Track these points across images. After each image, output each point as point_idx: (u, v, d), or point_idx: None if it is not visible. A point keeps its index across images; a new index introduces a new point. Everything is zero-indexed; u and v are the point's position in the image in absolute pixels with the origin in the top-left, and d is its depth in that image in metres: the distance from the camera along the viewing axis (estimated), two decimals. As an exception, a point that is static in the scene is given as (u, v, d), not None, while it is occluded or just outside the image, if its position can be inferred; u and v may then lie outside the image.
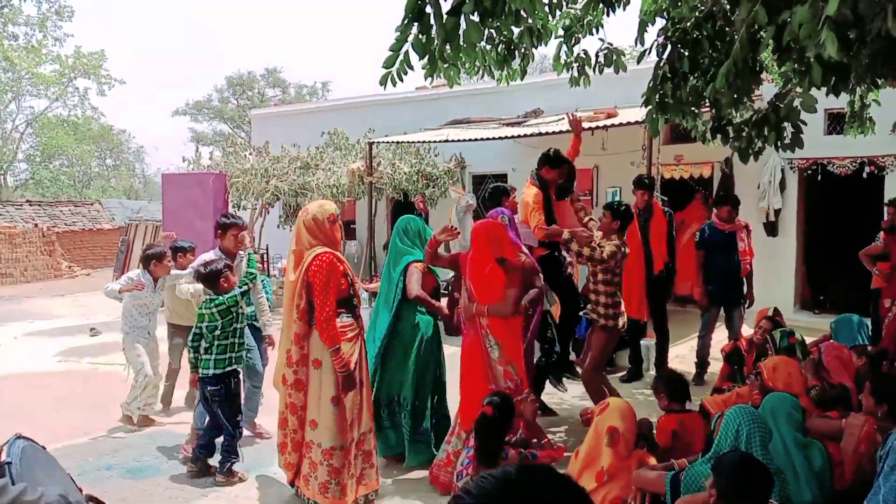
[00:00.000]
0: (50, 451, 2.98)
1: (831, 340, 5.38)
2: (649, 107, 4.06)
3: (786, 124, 3.80)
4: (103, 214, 21.60)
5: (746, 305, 7.03)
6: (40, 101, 32.39)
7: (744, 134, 4.00)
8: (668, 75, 3.85)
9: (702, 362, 6.99)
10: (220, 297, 4.74)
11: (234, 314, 4.75)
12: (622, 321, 5.39)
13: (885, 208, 7.16)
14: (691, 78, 3.85)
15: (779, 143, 3.89)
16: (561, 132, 8.97)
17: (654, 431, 4.19)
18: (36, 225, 18.04)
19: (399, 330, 4.85)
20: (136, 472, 4.99)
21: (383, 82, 3.13)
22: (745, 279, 7.03)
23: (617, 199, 10.69)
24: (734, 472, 2.72)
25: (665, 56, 3.91)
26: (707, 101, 3.99)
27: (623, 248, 5.29)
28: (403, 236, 4.96)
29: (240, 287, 4.84)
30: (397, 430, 4.88)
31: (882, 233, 6.85)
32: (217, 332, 4.69)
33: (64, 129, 31.98)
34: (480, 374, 4.55)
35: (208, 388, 4.70)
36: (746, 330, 6.79)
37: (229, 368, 4.73)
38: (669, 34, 3.97)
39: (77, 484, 3.01)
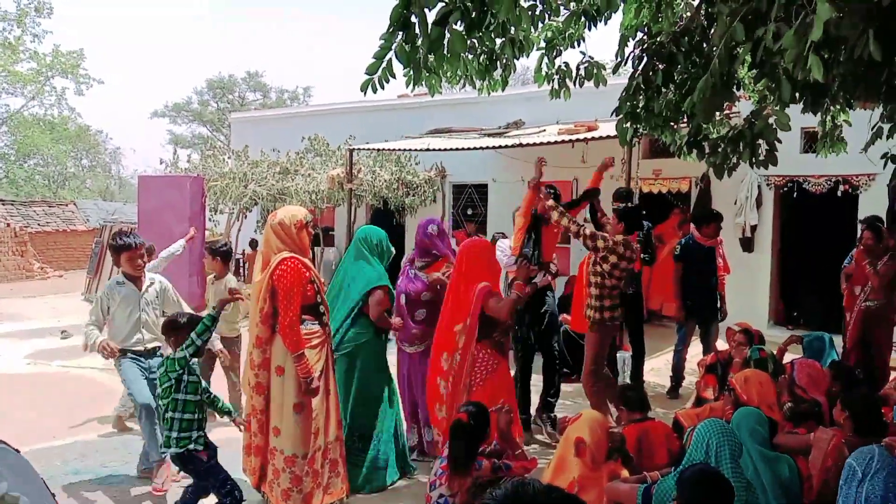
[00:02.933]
0: (15, 454, 2.91)
1: (802, 357, 5.45)
2: (620, 116, 4.11)
3: (760, 141, 3.85)
4: (78, 215, 21.32)
5: (720, 319, 7.10)
6: (16, 99, 32.01)
7: (719, 150, 4.05)
8: (642, 86, 3.90)
9: (677, 376, 7.04)
10: (167, 359, 4.07)
11: (172, 381, 3.93)
12: (610, 315, 5.37)
13: (860, 226, 7.27)
14: (665, 91, 3.90)
15: (753, 160, 3.94)
16: (541, 144, 9.03)
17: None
18: (8, 224, 17.74)
19: (350, 349, 4.74)
20: (105, 478, 4.90)
21: (364, 88, 3.13)
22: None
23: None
24: (694, 485, 2.76)
25: (640, 68, 3.95)
26: (684, 115, 4.04)
27: (624, 252, 5.23)
28: (363, 247, 4.82)
29: (183, 349, 3.97)
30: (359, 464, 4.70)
31: (855, 250, 6.95)
32: (165, 401, 3.95)
33: (40, 128, 31.47)
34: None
35: (178, 464, 4.13)
36: (721, 345, 6.84)
37: (188, 448, 3.94)
38: (645, 47, 4.02)
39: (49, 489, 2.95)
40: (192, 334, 3.98)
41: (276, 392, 4.16)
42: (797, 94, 3.48)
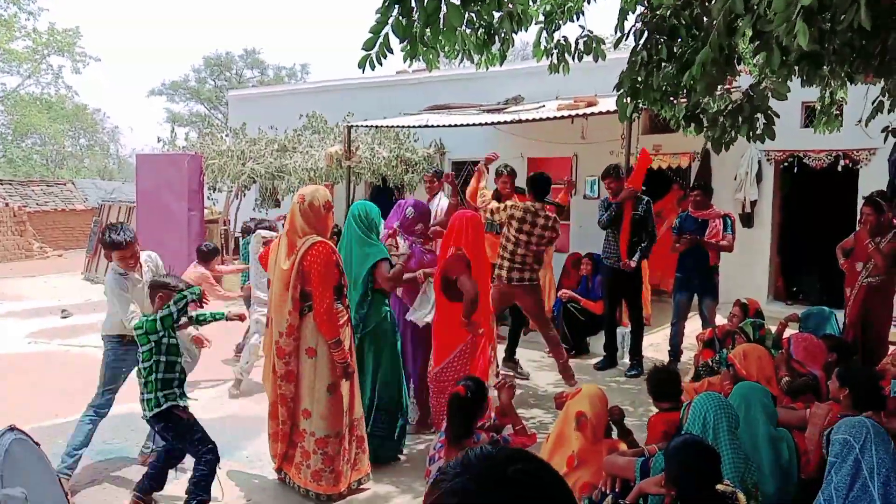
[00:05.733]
0: (16, 432, 2.94)
1: (797, 331, 5.47)
2: (620, 91, 4.08)
3: (758, 115, 3.83)
4: (76, 195, 21.25)
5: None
6: (12, 77, 31.70)
7: (718, 124, 4.02)
8: (644, 61, 3.87)
9: (674, 350, 7.04)
10: (139, 320, 3.97)
11: (151, 343, 3.88)
12: (508, 275, 5.95)
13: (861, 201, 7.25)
14: (666, 66, 3.86)
15: (750, 134, 3.92)
16: (540, 119, 8.98)
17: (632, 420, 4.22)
18: (7, 204, 17.70)
19: (373, 328, 4.71)
20: (107, 454, 4.95)
21: (362, 65, 3.11)
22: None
23: (595, 188, 10.74)
24: (678, 455, 2.79)
25: (642, 42, 3.92)
26: (684, 89, 4.01)
27: (525, 216, 5.83)
28: (362, 224, 4.78)
29: (160, 311, 3.92)
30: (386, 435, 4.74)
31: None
32: (147, 364, 3.89)
33: (37, 107, 31.28)
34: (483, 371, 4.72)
35: (156, 427, 4.05)
36: (720, 320, 6.85)
37: (163, 408, 3.88)
38: (647, 21, 3.98)
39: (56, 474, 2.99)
40: (171, 302, 3.90)
41: (307, 374, 4.13)
42: (796, 67, 3.45)
